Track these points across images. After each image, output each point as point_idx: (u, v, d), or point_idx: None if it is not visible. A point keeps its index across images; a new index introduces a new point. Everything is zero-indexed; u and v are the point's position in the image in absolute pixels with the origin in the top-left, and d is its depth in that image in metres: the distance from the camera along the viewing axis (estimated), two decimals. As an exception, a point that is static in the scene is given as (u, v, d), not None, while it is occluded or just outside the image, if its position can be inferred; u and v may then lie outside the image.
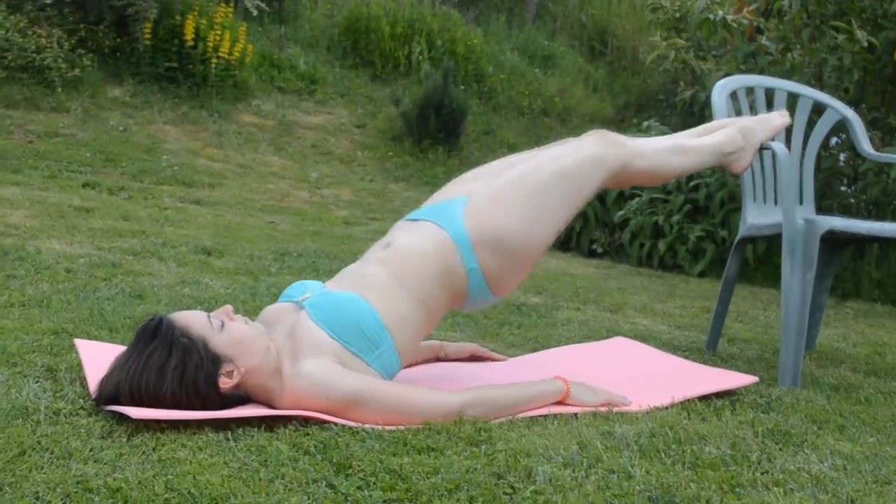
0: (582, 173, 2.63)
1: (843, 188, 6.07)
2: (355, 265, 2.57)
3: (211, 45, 8.48)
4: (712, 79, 6.19)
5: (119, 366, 2.16)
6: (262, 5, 9.60)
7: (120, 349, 2.29)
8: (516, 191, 2.56)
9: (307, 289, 2.47)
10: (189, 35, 8.34)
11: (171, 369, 2.13)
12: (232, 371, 2.20)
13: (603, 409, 2.46)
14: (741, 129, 2.98)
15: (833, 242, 3.50)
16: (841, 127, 5.19)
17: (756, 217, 3.34)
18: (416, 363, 2.85)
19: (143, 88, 8.31)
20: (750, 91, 3.53)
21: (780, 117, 3.08)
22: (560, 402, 2.48)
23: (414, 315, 2.43)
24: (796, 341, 2.93)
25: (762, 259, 5.82)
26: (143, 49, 8.32)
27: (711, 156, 2.89)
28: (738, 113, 3.44)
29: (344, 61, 10.32)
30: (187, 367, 2.15)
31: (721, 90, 3.39)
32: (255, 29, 9.79)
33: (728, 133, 2.95)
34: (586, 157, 2.64)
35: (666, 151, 2.81)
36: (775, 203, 3.40)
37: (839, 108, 3.58)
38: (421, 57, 10.38)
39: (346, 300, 2.37)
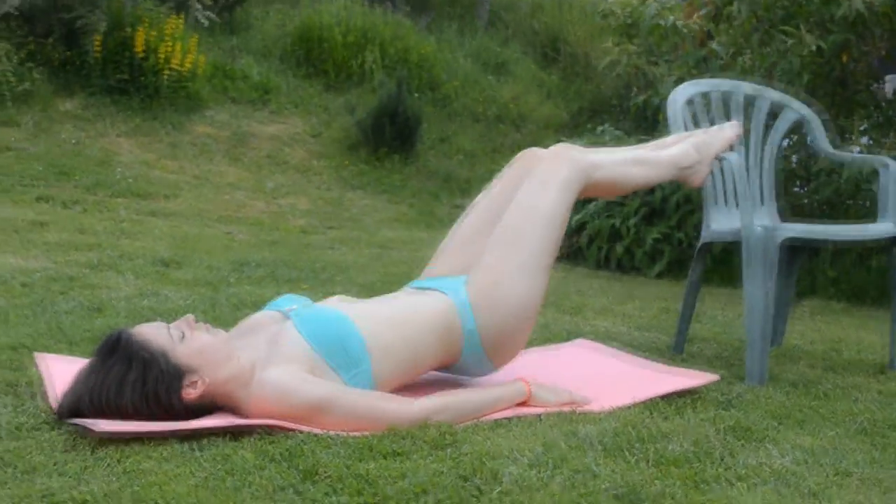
0: (559, 208, 2.69)
1: (796, 189, 6.15)
2: (355, 300, 2.62)
3: (162, 56, 8.41)
4: (664, 83, 6.25)
5: (80, 381, 2.15)
6: (213, 16, 9.53)
7: (81, 362, 2.27)
8: (508, 257, 2.60)
9: (295, 301, 2.49)
10: (140, 47, 8.26)
11: (131, 384, 2.12)
12: (196, 381, 2.19)
13: (566, 409, 2.48)
14: (695, 143, 3.04)
15: (795, 244, 3.55)
16: (793, 129, 5.26)
17: (718, 222, 3.36)
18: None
19: (95, 101, 8.23)
20: (706, 96, 3.57)
21: (731, 129, 3.14)
22: (523, 404, 2.50)
23: (399, 351, 2.46)
24: (761, 345, 2.97)
25: (719, 260, 5.87)
26: (93, 62, 8.23)
27: (669, 169, 2.96)
28: (695, 118, 3.47)
29: (297, 70, 10.28)
30: (147, 380, 2.14)
31: (677, 97, 3.42)
32: (207, 40, 9.73)
33: (683, 148, 3.01)
34: (557, 187, 2.69)
35: (623, 163, 2.85)
36: (737, 206, 3.43)
37: (797, 107, 3.63)
38: (374, 65, 10.36)
39: (333, 316, 2.39)
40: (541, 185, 2.70)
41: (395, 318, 2.49)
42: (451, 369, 2.66)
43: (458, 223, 2.82)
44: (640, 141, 6.74)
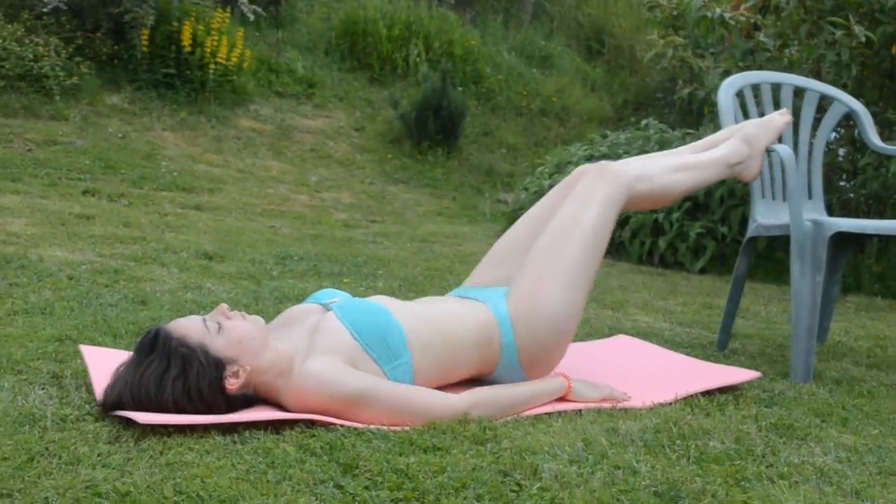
0: (601, 223, 2.66)
1: (842, 183, 6.07)
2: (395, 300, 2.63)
3: (208, 50, 8.49)
4: (710, 76, 6.20)
5: (119, 379, 2.17)
6: (259, 10, 9.60)
7: (125, 355, 2.29)
8: (548, 272, 2.59)
9: (335, 295, 2.50)
10: (186, 41, 8.34)
11: (172, 380, 2.13)
12: (237, 371, 2.21)
13: (606, 404, 2.47)
14: (744, 137, 2.98)
15: (841, 239, 3.51)
16: (840, 122, 5.20)
17: (765, 216, 3.32)
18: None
19: (142, 95, 8.32)
20: (756, 88, 3.53)
21: (780, 117, 3.08)
22: (562, 399, 2.49)
23: (438, 351, 2.46)
24: (807, 341, 2.94)
25: (763, 255, 5.82)
26: (140, 56, 8.32)
27: (718, 168, 2.90)
28: (745, 110, 3.43)
29: (342, 64, 10.33)
30: (188, 375, 2.15)
31: (727, 89, 3.37)
32: (253, 34, 9.80)
33: (732, 144, 2.95)
34: (599, 202, 2.67)
35: (669, 171, 2.81)
36: (784, 199, 3.38)
37: (846, 100, 3.58)
38: (418, 59, 10.39)
39: (375, 308, 2.40)
40: (583, 200, 2.68)
41: (435, 319, 2.49)
42: (483, 380, 2.64)
43: (504, 235, 2.83)
44: (686, 135, 6.68)
